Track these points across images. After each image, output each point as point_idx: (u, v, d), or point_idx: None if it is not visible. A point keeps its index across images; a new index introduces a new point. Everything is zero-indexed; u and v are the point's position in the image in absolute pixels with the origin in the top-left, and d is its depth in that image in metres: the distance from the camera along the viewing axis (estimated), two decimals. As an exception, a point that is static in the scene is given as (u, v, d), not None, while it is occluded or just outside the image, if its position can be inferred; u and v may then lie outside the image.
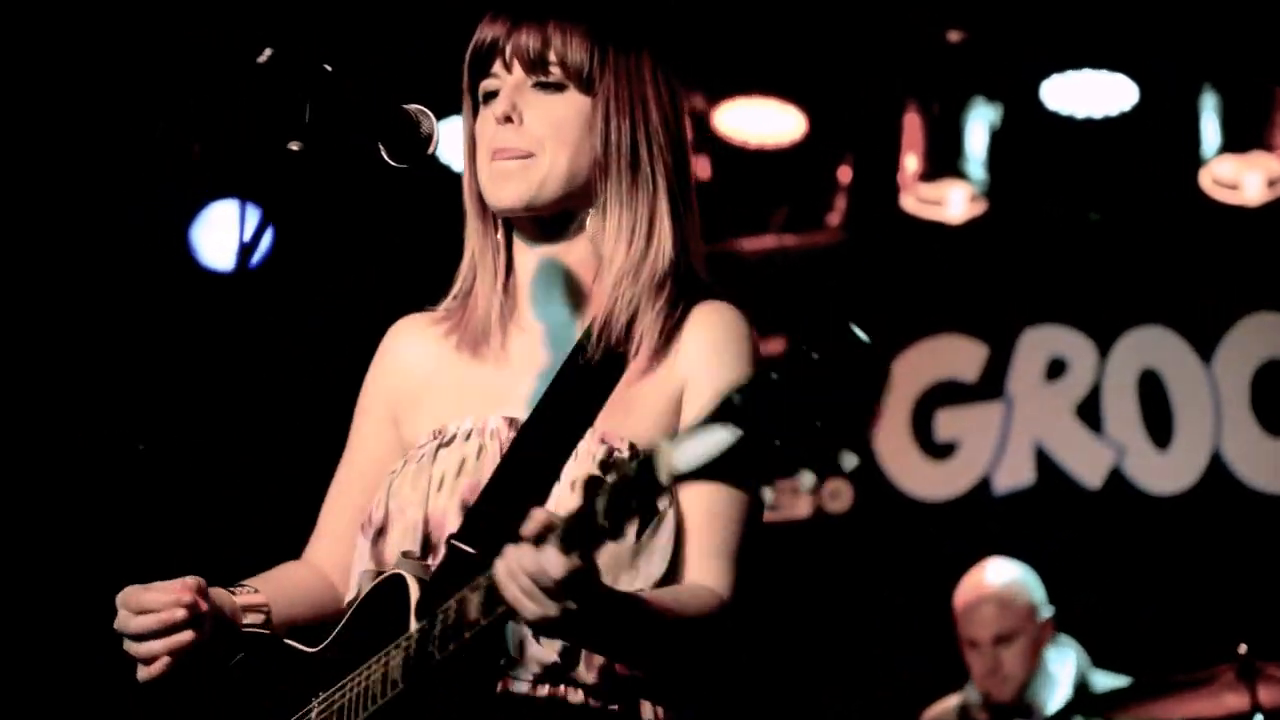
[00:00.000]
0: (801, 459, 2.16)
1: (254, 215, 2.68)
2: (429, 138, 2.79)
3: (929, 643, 6.52)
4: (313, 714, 2.78)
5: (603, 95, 2.89)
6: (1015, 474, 7.48)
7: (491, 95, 2.93)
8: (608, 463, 2.77)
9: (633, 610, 2.60)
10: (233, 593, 2.89)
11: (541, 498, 2.75)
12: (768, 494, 2.23)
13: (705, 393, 2.79)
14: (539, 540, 2.42)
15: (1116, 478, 7.37)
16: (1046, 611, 6.13)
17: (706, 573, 2.79)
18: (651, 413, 2.85)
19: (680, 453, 2.26)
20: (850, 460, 2.15)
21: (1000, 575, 6.19)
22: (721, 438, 2.22)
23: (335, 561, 3.04)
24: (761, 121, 7.26)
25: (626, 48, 2.94)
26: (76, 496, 6.79)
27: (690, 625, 2.70)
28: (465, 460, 2.85)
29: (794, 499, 7.57)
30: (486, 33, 2.94)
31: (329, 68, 2.71)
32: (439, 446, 2.88)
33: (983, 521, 7.43)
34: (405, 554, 2.81)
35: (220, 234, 7.17)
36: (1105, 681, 5.95)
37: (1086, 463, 7.43)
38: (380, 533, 2.87)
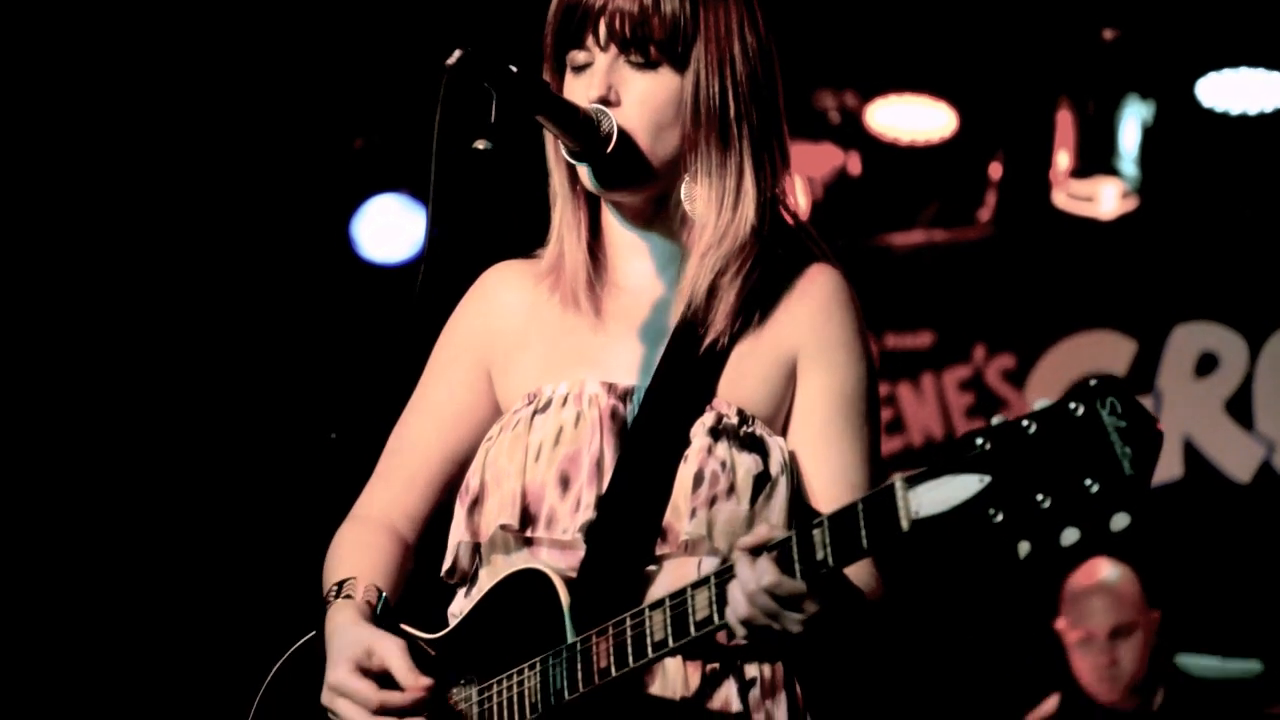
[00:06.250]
0: (1069, 519, 2.03)
1: (421, 210, 2.76)
2: (609, 136, 2.81)
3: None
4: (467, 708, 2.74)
5: (694, 68, 2.83)
6: (1164, 468, 7.37)
7: (580, 68, 2.87)
8: (717, 429, 2.74)
9: (839, 627, 2.53)
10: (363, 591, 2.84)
11: (668, 482, 2.72)
12: (1024, 547, 2.07)
13: (819, 358, 2.81)
14: (754, 554, 2.39)
15: (1266, 472, 7.34)
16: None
17: None
18: (763, 379, 2.82)
19: (920, 495, 2.14)
20: (1121, 521, 2.02)
21: (1114, 569, 6.17)
22: (968, 484, 2.09)
23: (403, 510, 2.96)
24: (913, 118, 7.32)
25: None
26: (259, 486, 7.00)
27: (873, 611, 2.67)
28: (563, 428, 2.79)
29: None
30: None
31: (514, 68, 2.73)
32: (534, 413, 2.82)
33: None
34: (503, 527, 2.77)
35: (380, 227, 7.26)
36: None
37: (1236, 458, 7.39)
38: (476, 503, 2.82)
